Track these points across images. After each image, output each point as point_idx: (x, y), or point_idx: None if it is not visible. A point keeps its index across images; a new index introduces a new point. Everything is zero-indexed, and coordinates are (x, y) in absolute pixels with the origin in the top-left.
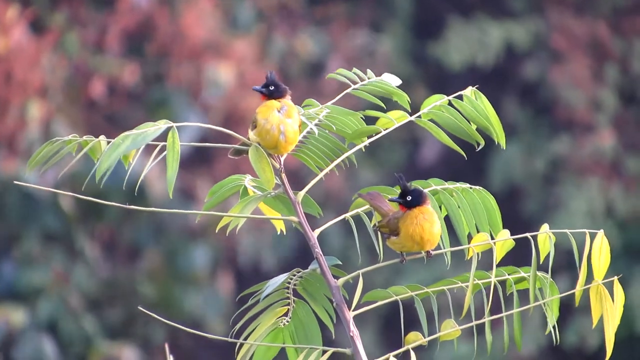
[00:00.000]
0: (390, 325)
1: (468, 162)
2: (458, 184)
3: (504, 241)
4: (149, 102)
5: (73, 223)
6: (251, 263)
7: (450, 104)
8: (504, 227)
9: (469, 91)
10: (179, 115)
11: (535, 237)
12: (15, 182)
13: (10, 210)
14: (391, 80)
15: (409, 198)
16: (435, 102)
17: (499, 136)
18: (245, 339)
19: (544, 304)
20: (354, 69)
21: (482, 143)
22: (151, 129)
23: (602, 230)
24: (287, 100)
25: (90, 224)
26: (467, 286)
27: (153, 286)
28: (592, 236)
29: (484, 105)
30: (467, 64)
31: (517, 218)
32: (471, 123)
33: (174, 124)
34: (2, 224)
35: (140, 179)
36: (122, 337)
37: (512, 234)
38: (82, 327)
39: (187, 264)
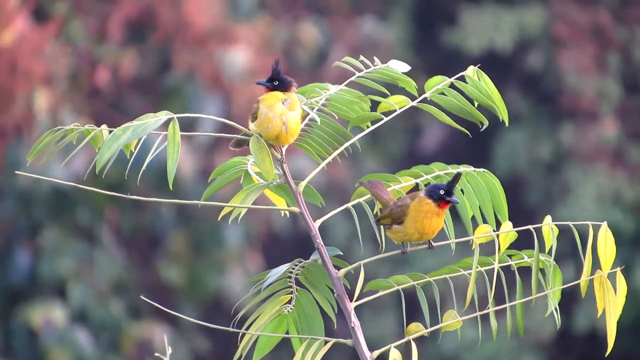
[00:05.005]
0: (410, 312)
1: (470, 152)
2: (461, 168)
3: (507, 232)
4: (161, 90)
5: (97, 213)
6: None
7: (452, 86)
8: (508, 217)
9: (471, 71)
10: (192, 102)
11: (538, 229)
12: (16, 172)
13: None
14: (398, 67)
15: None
16: (437, 85)
17: (502, 114)
18: (248, 326)
19: (546, 287)
20: (361, 57)
21: (486, 123)
22: (152, 120)
23: (605, 222)
24: (292, 94)
25: (110, 211)
26: (469, 274)
27: (178, 269)
28: (595, 227)
29: (486, 84)
30: (484, 50)
31: (521, 207)
32: (474, 103)
33: (175, 115)
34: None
35: (145, 164)
36: (152, 318)
37: (516, 224)
38: (110, 312)
39: (217, 245)
